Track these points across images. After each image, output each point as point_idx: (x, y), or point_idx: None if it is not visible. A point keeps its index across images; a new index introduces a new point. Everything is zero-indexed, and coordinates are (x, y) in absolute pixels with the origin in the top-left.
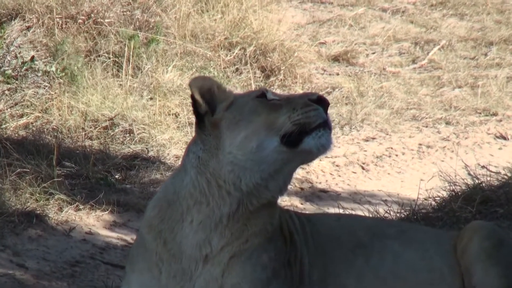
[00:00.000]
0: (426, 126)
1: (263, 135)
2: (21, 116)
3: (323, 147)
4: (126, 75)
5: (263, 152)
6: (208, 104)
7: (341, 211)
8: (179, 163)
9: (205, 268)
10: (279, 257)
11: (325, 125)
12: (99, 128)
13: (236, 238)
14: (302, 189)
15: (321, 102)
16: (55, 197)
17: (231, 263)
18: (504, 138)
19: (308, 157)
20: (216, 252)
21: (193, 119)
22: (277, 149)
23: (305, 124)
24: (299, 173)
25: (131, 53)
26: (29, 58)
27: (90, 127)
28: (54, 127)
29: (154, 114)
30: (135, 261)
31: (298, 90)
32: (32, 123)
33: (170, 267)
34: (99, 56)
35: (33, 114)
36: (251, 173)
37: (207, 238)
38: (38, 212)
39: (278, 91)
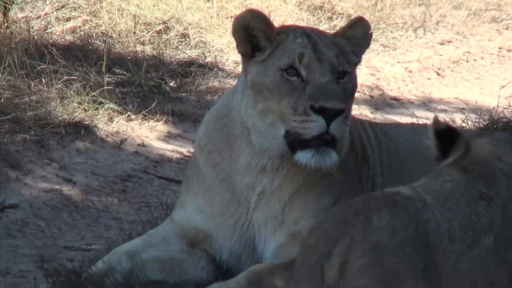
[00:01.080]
0: (507, 28)
1: (276, 118)
2: (68, 19)
3: (316, 166)
4: None
5: (275, 131)
6: (251, 45)
7: (414, 120)
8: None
9: (261, 201)
10: (348, 177)
11: (320, 143)
12: (152, 32)
13: (294, 175)
14: (372, 97)
15: (323, 112)
16: (105, 106)
17: (292, 198)
18: None
19: None
20: (271, 190)
21: None
22: (282, 140)
23: (298, 134)
24: (369, 79)
25: None
26: None
27: (142, 31)
28: (103, 31)
29: (211, 17)
30: (190, 182)
31: None
32: (79, 27)
33: (222, 194)
34: None
35: (80, 17)
36: (270, 142)
37: (258, 179)
38: (87, 122)
39: None
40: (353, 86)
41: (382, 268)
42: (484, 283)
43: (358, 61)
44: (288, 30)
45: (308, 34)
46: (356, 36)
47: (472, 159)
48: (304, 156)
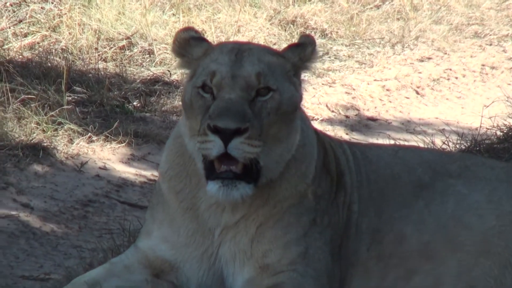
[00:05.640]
0: (490, 44)
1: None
2: (26, 35)
3: (223, 199)
4: None
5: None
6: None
7: (391, 142)
8: None
9: (227, 235)
10: (321, 203)
11: (229, 175)
12: (115, 49)
13: (260, 206)
14: (347, 117)
15: (218, 132)
16: (65, 127)
17: (259, 231)
18: None
19: None
20: (234, 222)
21: (222, 37)
22: (201, 165)
23: (205, 156)
24: (344, 98)
25: None
26: None
27: (105, 47)
28: (64, 47)
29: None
30: (155, 210)
31: (342, 3)
32: (38, 43)
33: (187, 224)
34: None
35: (39, 32)
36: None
37: (220, 211)
38: (45, 144)
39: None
40: (279, 104)
41: None
42: None
43: (294, 81)
44: (218, 48)
45: (237, 51)
46: (298, 55)
47: None
48: (213, 187)
